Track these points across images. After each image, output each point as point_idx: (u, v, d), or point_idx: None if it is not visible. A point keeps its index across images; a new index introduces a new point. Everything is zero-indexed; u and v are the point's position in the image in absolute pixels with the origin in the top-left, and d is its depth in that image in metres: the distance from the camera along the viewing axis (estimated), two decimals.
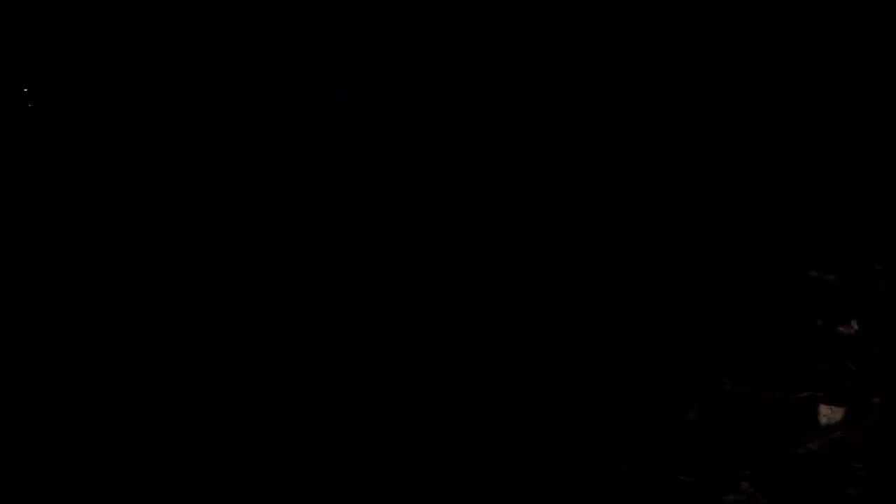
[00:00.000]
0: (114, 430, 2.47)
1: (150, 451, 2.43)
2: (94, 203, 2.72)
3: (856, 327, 2.29)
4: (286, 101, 2.77)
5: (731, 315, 2.40)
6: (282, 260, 2.68)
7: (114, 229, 2.70)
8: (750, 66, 2.64)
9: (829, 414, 2.20)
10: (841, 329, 2.30)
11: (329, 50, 2.78)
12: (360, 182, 2.69)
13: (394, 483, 2.37)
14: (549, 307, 2.54)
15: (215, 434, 2.47)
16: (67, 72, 2.74)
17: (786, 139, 2.60)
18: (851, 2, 2.57)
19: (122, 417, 2.50)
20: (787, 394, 2.26)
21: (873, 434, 2.16)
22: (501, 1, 2.74)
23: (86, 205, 2.71)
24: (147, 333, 2.60)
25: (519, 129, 2.69)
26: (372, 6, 2.69)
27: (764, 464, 2.24)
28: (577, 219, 2.63)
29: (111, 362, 2.57)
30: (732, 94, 2.65)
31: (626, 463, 2.34)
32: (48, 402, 2.51)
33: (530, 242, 2.62)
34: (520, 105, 2.72)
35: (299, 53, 2.79)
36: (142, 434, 2.46)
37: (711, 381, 2.33)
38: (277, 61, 2.79)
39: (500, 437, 2.39)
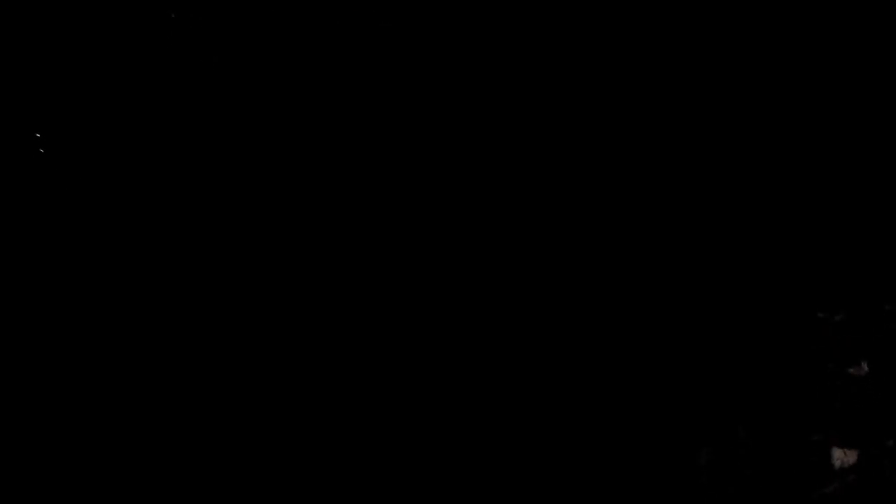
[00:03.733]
0: (114, 431, 2.47)
1: (149, 451, 2.44)
2: (91, 202, 2.68)
3: (866, 368, 2.29)
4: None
5: (740, 358, 2.39)
6: (281, 260, 2.67)
7: (112, 229, 2.67)
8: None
9: (842, 457, 2.19)
10: (851, 370, 2.29)
11: None
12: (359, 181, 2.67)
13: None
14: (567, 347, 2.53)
15: (215, 434, 2.47)
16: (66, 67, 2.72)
17: (790, 169, 2.61)
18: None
19: (122, 418, 2.49)
20: (800, 437, 2.25)
21: (888, 477, 2.14)
22: None
23: (84, 204, 2.68)
24: (146, 335, 2.59)
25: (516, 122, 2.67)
26: None
27: None
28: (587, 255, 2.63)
29: (111, 363, 2.56)
30: (739, 115, 2.65)
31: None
32: (48, 402, 2.51)
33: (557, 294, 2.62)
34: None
35: None
36: (142, 435, 2.46)
37: (723, 426, 2.32)
38: None
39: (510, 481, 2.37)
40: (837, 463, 2.19)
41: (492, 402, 2.48)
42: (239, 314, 2.62)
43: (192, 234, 2.68)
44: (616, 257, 2.59)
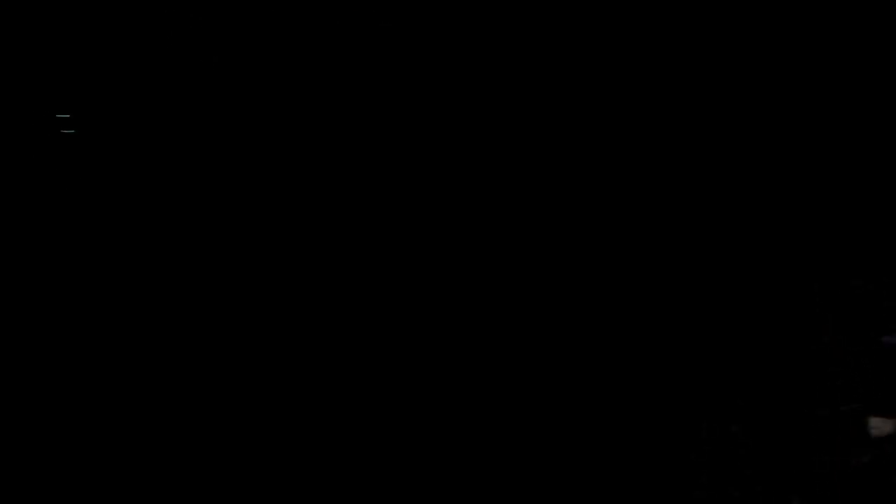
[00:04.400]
0: (114, 431, 2.50)
1: (149, 451, 2.47)
2: (93, 203, 2.69)
3: None
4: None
5: (776, 327, 2.39)
6: (281, 260, 2.67)
7: (113, 229, 2.68)
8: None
9: (879, 426, 2.20)
10: (887, 339, 2.29)
11: None
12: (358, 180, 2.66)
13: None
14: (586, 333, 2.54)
15: (215, 434, 2.51)
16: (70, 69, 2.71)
17: (822, 148, 2.57)
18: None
19: (122, 418, 2.52)
20: (837, 406, 2.25)
21: None
22: None
23: (86, 204, 2.69)
24: (146, 335, 2.63)
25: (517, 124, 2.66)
26: None
27: (815, 478, 2.23)
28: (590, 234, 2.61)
29: (111, 363, 2.59)
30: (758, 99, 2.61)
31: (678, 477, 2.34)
32: (48, 402, 2.55)
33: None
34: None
35: None
36: (141, 435, 2.50)
37: (759, 393, 2.32)
38: None
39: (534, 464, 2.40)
40: (874, 432, 2.19)
41: (494, 386, 2.50)
42: (238, 312, 2.62)
43: (191, 233, 2.67)
44: (624, 238, 2.58)
